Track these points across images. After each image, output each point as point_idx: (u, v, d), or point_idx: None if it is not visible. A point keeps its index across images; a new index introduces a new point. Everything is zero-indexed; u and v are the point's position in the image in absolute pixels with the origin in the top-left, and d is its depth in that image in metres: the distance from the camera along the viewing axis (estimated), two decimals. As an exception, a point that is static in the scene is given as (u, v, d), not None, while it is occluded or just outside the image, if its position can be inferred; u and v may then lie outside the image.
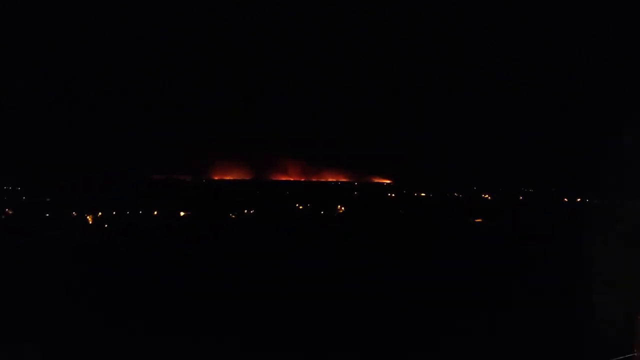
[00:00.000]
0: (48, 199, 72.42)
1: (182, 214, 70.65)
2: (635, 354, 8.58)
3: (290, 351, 18.78)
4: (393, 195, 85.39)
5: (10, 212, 69.74)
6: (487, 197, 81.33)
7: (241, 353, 18.20)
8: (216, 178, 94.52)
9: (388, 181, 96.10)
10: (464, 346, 19.21)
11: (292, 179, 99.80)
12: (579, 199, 73.05)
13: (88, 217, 69.54)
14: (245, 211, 71.14)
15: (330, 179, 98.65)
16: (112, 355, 17.77)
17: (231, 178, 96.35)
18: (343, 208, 75.88)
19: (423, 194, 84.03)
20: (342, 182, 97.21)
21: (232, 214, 69.02)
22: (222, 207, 71.86)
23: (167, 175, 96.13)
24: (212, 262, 36.47)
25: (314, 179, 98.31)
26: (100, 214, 68.51)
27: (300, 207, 77.20)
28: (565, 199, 76.04)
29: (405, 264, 36.38)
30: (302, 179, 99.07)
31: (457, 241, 48.28)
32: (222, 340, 19.20)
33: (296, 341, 19.74)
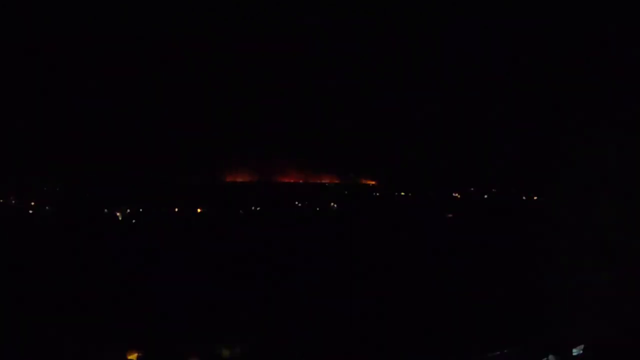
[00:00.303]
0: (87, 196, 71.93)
1: (199, 210, 76.47)
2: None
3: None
4: (377, 194, 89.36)
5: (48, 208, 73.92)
6: (456, 196, 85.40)
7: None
8: (228, 180, 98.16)
9: (373, 182, 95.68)
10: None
11: (292, 181, 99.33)
12: (535, 197, 77.28)
13: (118, 214, 75.01)
14: (253, 207, 75.94)
15: (324, 181, 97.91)
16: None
17: (238, 180, 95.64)
18: (335, 205, 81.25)
19: (402, 193, 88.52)
20: (334, 183, 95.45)
21: (241, 211, 74.34)
22: (233, 205, 75.70)
23: (187, 177, 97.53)
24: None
25: (311, 181, 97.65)
26: (128, 211, 73.93)
27: (299, 205, 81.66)
28: (524, 197, 79.16)
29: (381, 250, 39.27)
30: (301, 181, 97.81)
31: (430, 232, 52.15)
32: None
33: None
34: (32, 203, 69.97)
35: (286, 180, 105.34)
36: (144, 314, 21.52)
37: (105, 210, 73.42)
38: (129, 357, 15.98)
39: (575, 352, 10.25)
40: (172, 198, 75.10)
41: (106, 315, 20.66)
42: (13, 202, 70.75)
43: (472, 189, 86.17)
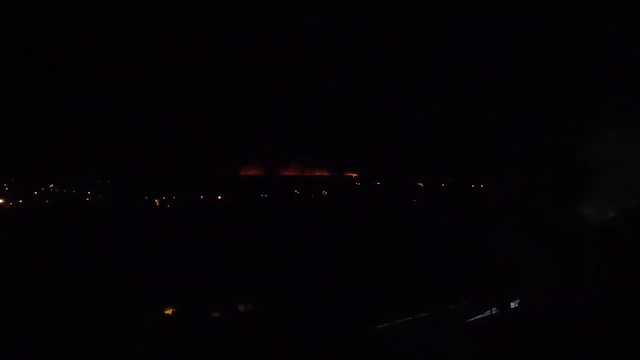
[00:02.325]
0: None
1: (219, 197, 77.38)
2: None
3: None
4: (358, 184, 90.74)
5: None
6: (420, 185, 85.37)
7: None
8: (242, 174, 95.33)
9: (355, 174, 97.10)
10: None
11: (292, 174, 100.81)
12: (481, 186, 77.37)
13: (156, 201, 75.40)
14: (262, 195, 78.21)
15: (317, 174, 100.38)
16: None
17: (247, 174, 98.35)
18: (326, 193, 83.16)
19: (378, 183, 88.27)
20: (324, 175, 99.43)
21: (254, 197, 76.33)
22: (243, 195, 76.41)
23: (207, 171, 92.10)
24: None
25: (307, 174, 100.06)
26: (164, 198, 74.19)
27: (298, 193, 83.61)
28: (473, 186, 77.02)
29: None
30: (299, 174, 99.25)
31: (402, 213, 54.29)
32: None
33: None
34: (88, 192, 70.44)
35: (288, 173, 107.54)
36: (176, 279, 20.35)
37: (146, 198, 74.17)
38: (166, 312, 15.57)
39: (512, 305, 10.32)
40: (198, 188, 75.29)
41: (145, 281, 19.73)
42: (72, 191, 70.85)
43: (435, 179, 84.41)
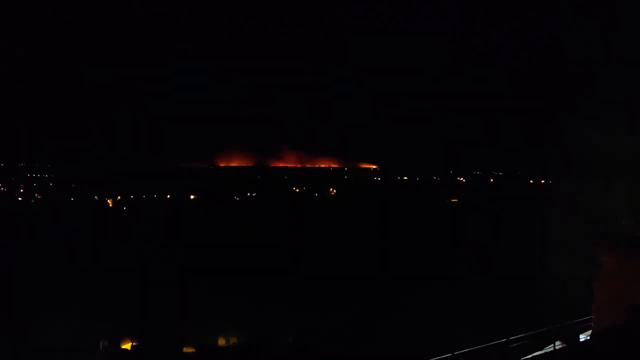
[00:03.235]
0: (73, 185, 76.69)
1: (192, 197, 77.17)
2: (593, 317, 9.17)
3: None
4: (378, 179, 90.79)
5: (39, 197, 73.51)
6: (461, 180, 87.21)
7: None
8: (221, 165, 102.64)
9: (374, 166, 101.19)
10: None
11: (289, 166, 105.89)
12: (543, 181, 76.89)
13: (109, 201, 75.41)
14: (247, 194, 75.95)
15: (322, 165, 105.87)
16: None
17: (235, 165, 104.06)
18: (335, 191, 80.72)
19: (405, 178, 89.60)
20: (333, 168, 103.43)
21: (236, 197, 74.34)
22: (228, 191, 75.73)
23: (178, 162, 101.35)
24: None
25: (308, 165, 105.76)
26: (119, 198, 74.37)
27: (297, 190, 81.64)
28: (531, 181, 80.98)
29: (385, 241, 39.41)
30: (299, 166, 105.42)
31: (434, 220, 52.29)
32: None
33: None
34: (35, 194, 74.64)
35: (282, 164, 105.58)
36: (137, 303, 22.48)
37: (95, 197, 74.35)
38: (123, 347, 15.71)
39: (582, 337, 10.44)
40: (160, 184, 76.58)
41: (99, 305, 21.64)
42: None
43: (478, 172, 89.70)
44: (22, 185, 77.44)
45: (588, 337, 10.09)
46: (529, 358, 9.41)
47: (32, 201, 71.55)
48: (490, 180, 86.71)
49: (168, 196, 75.65)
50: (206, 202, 70.47)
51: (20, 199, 72.66)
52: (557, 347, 9.78)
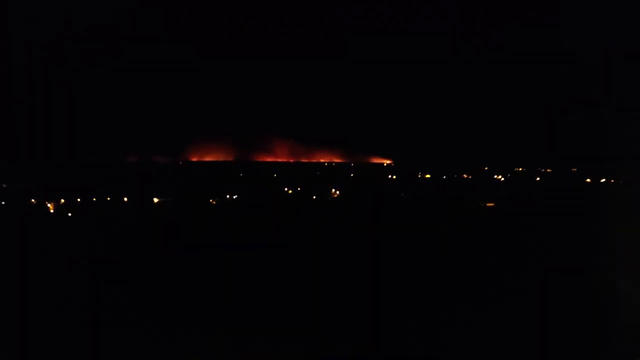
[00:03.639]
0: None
1: (155, 200, 71.71)
2: None
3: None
4: (394, 177, 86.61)
5: None
6: (499, 179, 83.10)
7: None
8: (194, 159, 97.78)
9: (388, 161, 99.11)
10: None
11: (279, 160, 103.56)
12: (603, 180, 74.59)
13: (49, 205, 70.27)
14: (228, 196, 71.40)
15: (322, 160, 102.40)
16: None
17: (211, 159, 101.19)
18: (338, 192, 76.67)
19: (428, 176, 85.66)
20: (336, 163, 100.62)
21: (213, 200, 69.65)
22: (201, 192, 72.68)
23: (140, 157, 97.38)
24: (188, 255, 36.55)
25: (304, 160, 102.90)
26: (63, 201, 69.51)
27: (289, 192, 77.95)
28: (588, 180, 78.27)
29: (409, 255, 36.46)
30: (292, 160, 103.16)
31: (467, 228, 48.53)
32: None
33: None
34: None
35: (272, 159, 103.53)
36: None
37: (32, 200, 69.50)
38: None
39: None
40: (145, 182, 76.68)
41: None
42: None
43: (521, 169, 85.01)
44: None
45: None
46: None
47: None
48: (536, 178, 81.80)
49: (125, 199, 69.86)
50: (173, 206, 66.67)
51: None
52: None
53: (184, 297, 26.39)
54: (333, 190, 78.27)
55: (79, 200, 68.39)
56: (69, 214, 64.45)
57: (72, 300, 25.82)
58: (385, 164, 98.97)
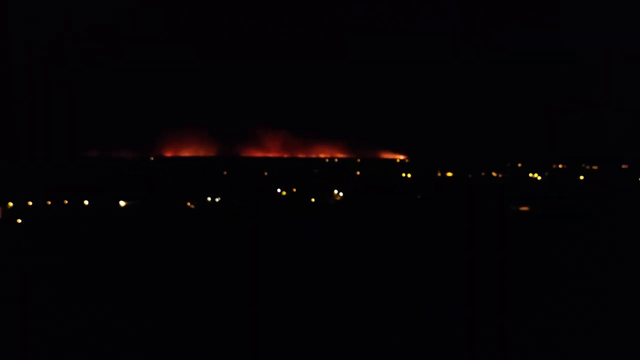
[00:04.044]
0: None
1: (122, 203, 70.31)
2: None
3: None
4: (408, 176, 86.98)
5: None
6: (536, 178, 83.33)
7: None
8: (168, 155, 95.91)
9: (401, 157, 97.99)
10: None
11: (271, 155, 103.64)
12: None
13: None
14: (209, 199, 71.04)
15: (322, 155, 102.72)
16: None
17: (188, 155, 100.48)
18: (342, 194, 76.02)
19: (449, 174, 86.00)
20: (339, 159, 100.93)
21: (191, 203, 69.38)
22: (177, 194, 71.65)
23: (103, 152, 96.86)
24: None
25: (300, 156, 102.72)
26: (11, 204, 68.28)
27: (283, 193, 77.56)
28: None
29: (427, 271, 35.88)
30: (285, 156, 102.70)
31: (497, 238, 47.20)
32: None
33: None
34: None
35: (261, 154, 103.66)
36: None
37: None
38: None
39: None
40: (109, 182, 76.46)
41: None
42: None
43: (560, 166, 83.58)
44: None
45: None
46: None
47: None
48: (580, 177, 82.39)
49: (85, 202, 69.35)
50: (143, 210, 66.75)
51: None
52: None
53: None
54: (335, 191, 77.46)
55: (29, 204, 67.42)
56: (18, 221, 63.07)
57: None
58: (398, 160, 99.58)
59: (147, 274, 35.94)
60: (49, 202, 67.70)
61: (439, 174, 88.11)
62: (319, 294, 31.62)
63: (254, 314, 27.70)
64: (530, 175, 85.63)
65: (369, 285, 33.80)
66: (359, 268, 37.95)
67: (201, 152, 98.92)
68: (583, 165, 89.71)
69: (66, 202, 69.08)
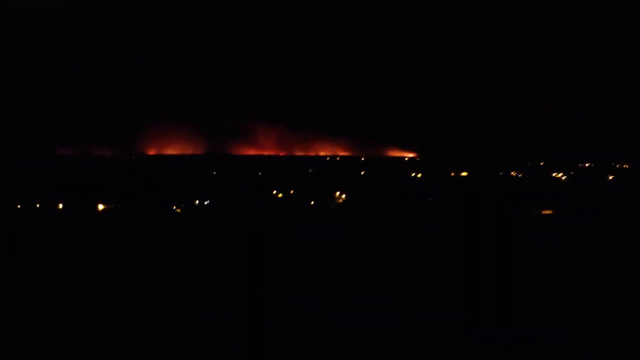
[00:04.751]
0: None
1: (100, 207, 70.28)
2: None
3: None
4: (419, 175, 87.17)
5: None
6: (559, 177, 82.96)
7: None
8: (151, 153, 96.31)
9: (411, 155, 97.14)
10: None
11: (265, 153, 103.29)
12: None
13: None
14: (197, 202, 71.40)
15: (322, 153, 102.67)
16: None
17: (174, 153, 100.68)
18: (344, 196, 76.85)
19: (464, 174, 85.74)
20: (341, 157, 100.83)
21: (176, 207, 69.40)
22: (161, 197, 72.58)
23: (78, 149, 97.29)
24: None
25: (299, 153, 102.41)
26: None
27: (279, 195, 78.17)
28: None
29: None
30: (282, 154, 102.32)
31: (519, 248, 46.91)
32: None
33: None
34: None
35: (253, 152, 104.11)
36: None
37: None
38: None
39: None
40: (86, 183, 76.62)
41: None
42: None
43: (588, 164, 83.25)
44: None
45: None
46: None
47: None
48: (609, 177, 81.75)
49: (60, 206, 69.50)
50: (123, 215, 66.46)
51: None
52: None
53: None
54: (337, 193, 78.45)
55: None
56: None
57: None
58: (407, 158, 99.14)
59: (127, 290, 35.57)
60: (18, 206, 67.17)
61: (453, 174, 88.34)
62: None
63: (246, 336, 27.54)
64: (554, 174, 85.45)
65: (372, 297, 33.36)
66: (361, 280, 37.43)
67: (188, 150, 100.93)
68: (612, 163, 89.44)
69: (38, 205, 69.01)
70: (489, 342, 27.11)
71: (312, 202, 74.05)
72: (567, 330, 28.01)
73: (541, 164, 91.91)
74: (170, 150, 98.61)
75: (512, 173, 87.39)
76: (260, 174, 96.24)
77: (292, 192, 79.61)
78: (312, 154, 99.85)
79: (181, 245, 48.82)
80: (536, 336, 27.72)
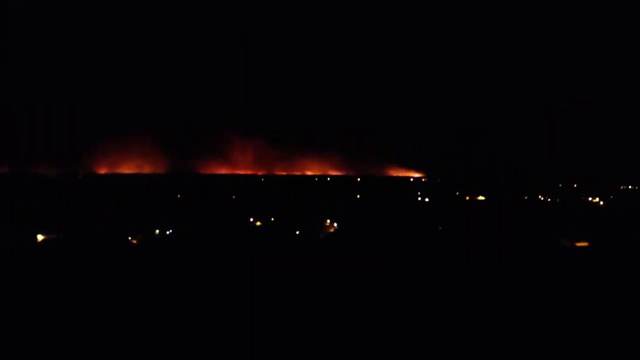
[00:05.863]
0: None
1: (40, 237, 69.62)
2: None
3: None
4: (426, 200, 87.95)
5: None
6: (595, 202, 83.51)
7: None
8: (102, 172, 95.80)
9: (417, 175, 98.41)
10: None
11: (240, 172, 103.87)
12: None
13: None
14: (157, 231, 71.27)
15: (310, 173, 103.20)
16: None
17: (129, 172, 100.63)
18: (336, 224, 77.15)
19: (481, 198, 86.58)
20: (331, 176, 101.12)
21: (132, 237, 69.15)
22: (114, 225, 72.81)
23: (14, 167, 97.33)
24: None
25: (280, 172, 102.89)
26: None
27: (257, 224, 78.41)
28: None
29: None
30: (260, 173, 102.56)
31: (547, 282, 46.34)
32: None
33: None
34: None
35: (228, 171, 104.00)
36: None
37: None
38: None
39: None
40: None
41: None
42: None
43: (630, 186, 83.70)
44: None
45: None
46: None
47: None
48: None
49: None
50: (67, 246, 65.37)
51: None
52: None
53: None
54: (328, 221, 78.52)
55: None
56: None
57: None
58: (412, 179, 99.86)
59: (69, 334, 35.00)
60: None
61: (467, 198, 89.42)
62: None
63: None
64: (590, 199, 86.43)
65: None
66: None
67: (146, 169, 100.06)
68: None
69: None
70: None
71: (297, 232, 73.37)
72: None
73: (574, 186, 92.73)
74: (125, 169, 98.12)
75: (539, 197, 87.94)
76: (234, 197, 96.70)
77: (272, 219, 79.72)
78: (297, 173, 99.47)
79: (135, 285, 47.71)
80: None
